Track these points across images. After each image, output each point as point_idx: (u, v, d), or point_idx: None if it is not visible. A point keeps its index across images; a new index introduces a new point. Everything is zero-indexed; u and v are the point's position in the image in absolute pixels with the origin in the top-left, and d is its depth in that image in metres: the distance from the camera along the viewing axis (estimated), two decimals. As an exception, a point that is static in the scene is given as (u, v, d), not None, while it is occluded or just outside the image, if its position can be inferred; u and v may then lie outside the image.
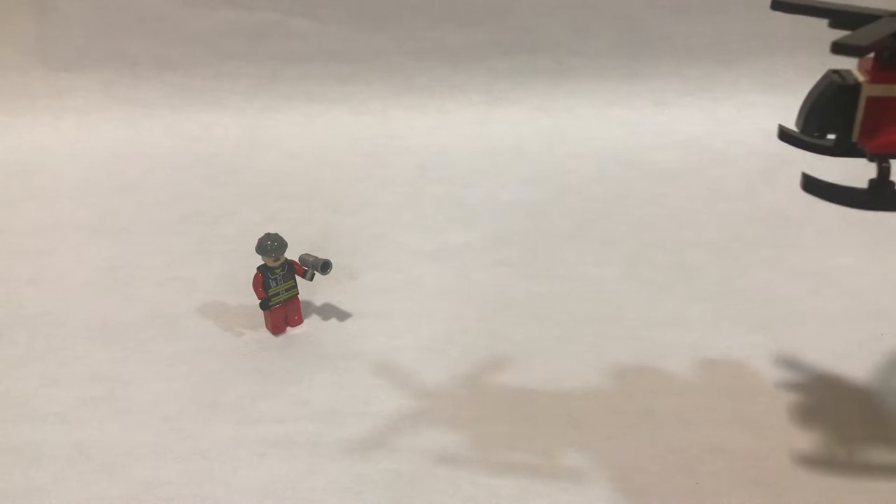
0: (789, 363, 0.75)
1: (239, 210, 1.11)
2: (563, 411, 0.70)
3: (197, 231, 1.05)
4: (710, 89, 1.31)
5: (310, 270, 0.81)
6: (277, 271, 0.80)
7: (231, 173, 1.22)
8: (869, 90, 0.45)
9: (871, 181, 0.46)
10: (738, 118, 1.27)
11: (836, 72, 0.47)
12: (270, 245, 0.78)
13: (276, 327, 0.82)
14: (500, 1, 1.35)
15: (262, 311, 0.81)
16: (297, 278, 0.82)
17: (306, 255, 0.82)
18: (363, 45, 1.38)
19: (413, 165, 1.24)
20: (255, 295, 0.79)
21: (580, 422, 0.69)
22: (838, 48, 0.40)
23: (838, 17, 0.46)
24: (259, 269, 0.79)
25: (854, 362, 0.75)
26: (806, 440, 0.66)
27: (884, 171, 0.46)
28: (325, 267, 0.80)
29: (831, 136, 0.48)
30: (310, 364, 0.77)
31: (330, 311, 0.86)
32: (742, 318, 0.82)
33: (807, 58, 1.37)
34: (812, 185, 0.49)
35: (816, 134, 0.48)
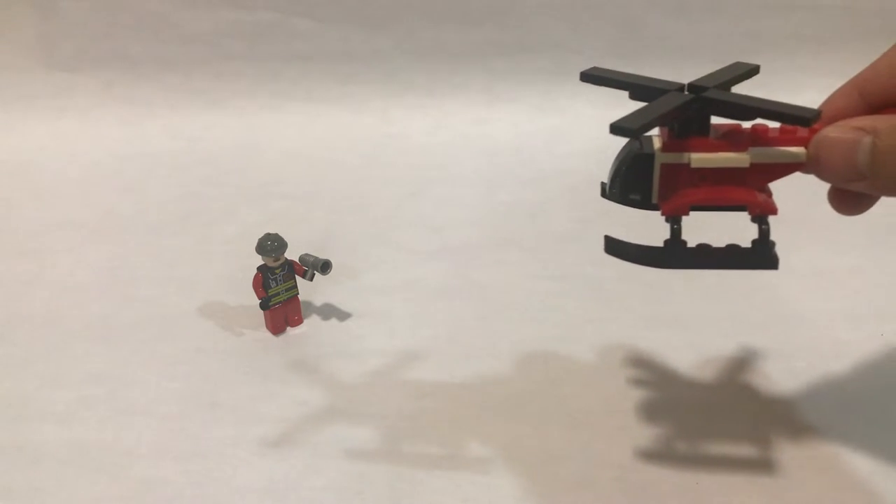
0: (789, 363, 0.75)
1: (239, 210, 1.11)
2: (563, 411, 0.70)
3: (197, 231, 1.05)
4: (710, 89, 1.31)
5: (310, 270, 0.81)
6: (277, 271, 0.80)
7: (231, 173, 1.22)
8: (662, 158, 0.48)
9: (666, 241, 0.49)
10: (738, 118, 1.27)
11: (638, 140, 0.50)
12: (270, 245, 0.78)
13: (276, 327, 0.82)
14: (500, 1, 1.35)
15: (262, 311, 0.81)
16: (297, 278, 0.82)
17: (306, 255, 0.82)
18: (363, 45, 1.38)
19: (413, 165, 1.24)
20: (255, 295, 0.79)
21: (580, 421, 0.69)
22: (614, 129, 0.44)
23: (635, 90, 0.50)
24: (259, 269, 0.79)
25: (854, 362, 0.75)
26: (806, 440, 0.66)
27: (675, 232, 0.49)
28: (325, 267, 0.80)
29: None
30: (310, 364, 0.77)
31: (330, 311, 0.86)
32: (742, 318, 0.82)
33: (806, 58, 1.37)
34: (613, 248, 0.52)
35: (621, 198, 0.51)
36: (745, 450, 0.65)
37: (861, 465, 0.63)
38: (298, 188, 1.17)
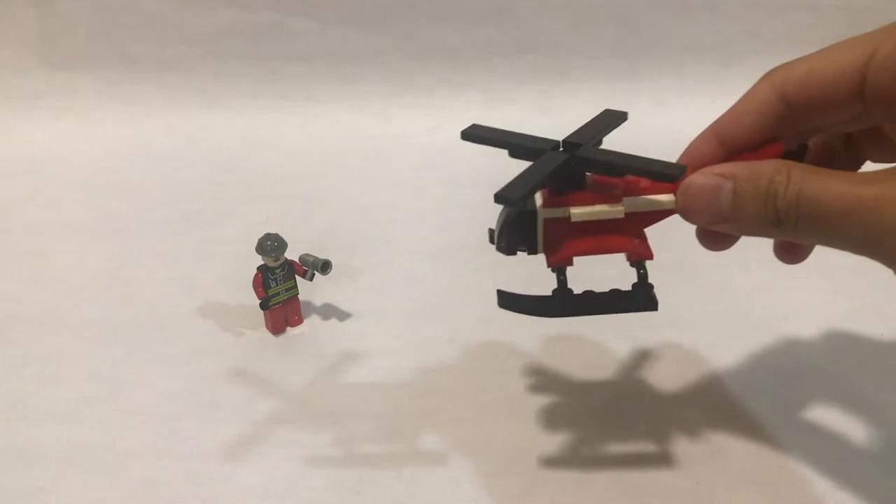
0: (789, 363, 0.75)
1: (239, 210, 1.11)
2: (563, 411, 0.70)
3: (197, 231, 1.05)
4: (709, 89, 1.32)
5: (310, 270, 0.81)
6: (277, 271, 0.80)
7: (231, 173, 1.22)
8: (544, 214, 0.52)
9: (554, 290, 0.52)
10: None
11: (515, 210, 0.53)
12: (270, 245, 0.78)
13: (276, 327, 0.82)
14: (500, 1, 1.35)
15: (262, 311, 0.81)
16: (297, 278, 0.82)
17: (306, 255, 0.82)
18: (363, 45, 1.38)
19: (413, 165, 1.24)
20: (255, 295, 0.79)
21: (580, 421, 0.69)
22: (498, 199, 0.46)
23: (514, 149, 0.52)
24: (259, 269, 0.79)
25: (854, 362, 0.75)
26: (806, 440, 0.66)
27: (561, 283, 0.52)
28: (325, 267, 0.80)
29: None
30: (310, 364, 0.77)
31: (330, 311, 0.86)
32: (742, 318, 0.82)
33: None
34: (505, 301, 0.54)
35: (509, 251, 0.54)
36: (745, 450, 0.65)
37: (863, 466, 0.63)
38: (298, 188, 1.17)
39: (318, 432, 0.69)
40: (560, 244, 0.52)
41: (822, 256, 0.91)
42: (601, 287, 0.55)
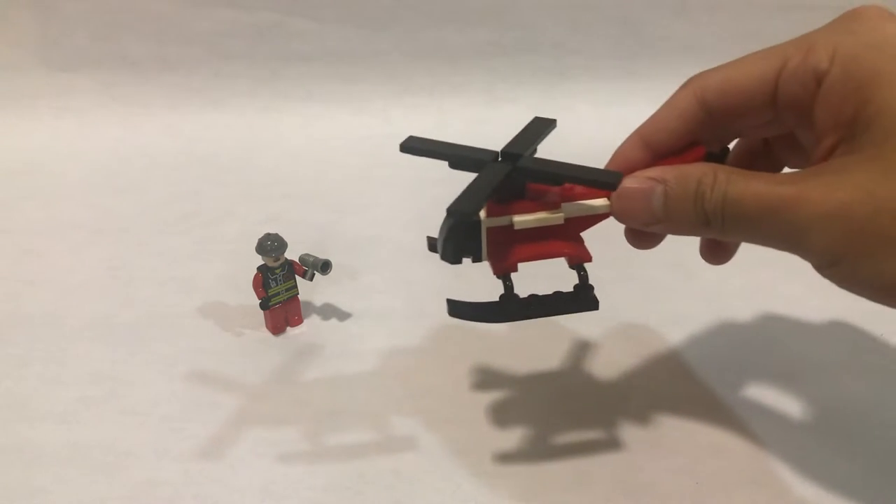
0: (789, 363, 0.75)
1: (239, 210, 1.11)
2: (564, 411, 0.70)
3: (197, 231, 1.05)
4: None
5: (310, 270, 0.81)
6: (277, 271, 0.80)
7: (231, 173, 1.22)
8: (487, 223, 0.53)
9: (501, 296, 0.54)
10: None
11: (455, 220, 0.54)
12: (270, 245, 0.78)
13: (276, 327, 0.82)
14: (500, 1, 1.35)
15: (262, 311, 0.81)
16: (297, 278, 0.82)
17: (306, 255, 0.82)
18: (363, 45, 1.38)
19: (413, 165, 1.24)
20: (255, 295, 0.79)
21: (581, 421, 0.69)
22: (452, 215, 0.48)
23: (454, 161, 0.54)
24: (259, 269, 0.79)
25: (855, 361, 0.75)
26: (806, 440, 0.66)
27: (508, 289, 0.53)
28: (325, 267, 0.80)
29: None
30: (310, 364, 0.77)
31: (330, 311, 0.86)
32: (742, 318, 0.82)
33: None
34: (455, 310, 0.56)
35: (454, 259, 0.55)
36: (744, 450, 0.65)
37: (864, 466, 0.63)
38: (298, 188, 1.17)
39: (318, 432, 0.69)
40: (504, 251, 0.54)
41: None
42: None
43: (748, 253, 0.94)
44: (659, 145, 0.56)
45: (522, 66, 1.38)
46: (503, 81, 1.38)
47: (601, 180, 0.51)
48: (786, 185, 0.47)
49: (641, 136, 0.57)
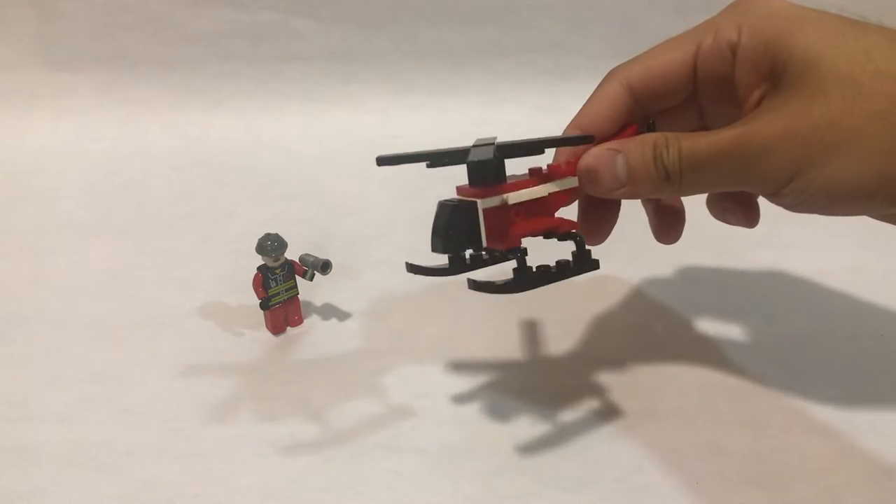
0: (790, 363, 0.75)
1: (239, 210, 1.11)
2: (564, 410, 0.70)
3: (197, 231, 1.05)
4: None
5: (310, 270, 0.81)
6: (277, 271, 0.80)
7: (231, 173, 1.22)
8: (483, 204, 0.56)
9: (514, 269, 0.57)
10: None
11: (447, 200, 0.58)
12: (270, 245, 0.78)
13: (276, 327, 0.82)
14: (500, 1, 1.35)
15: (262, 311, 0.81)
16: (297, 278, 0.82)
17: (306, 255, 0.82)
18: (363, 45, 1.38)
19: (413, 165, 1.24)
20: (255, 295, 0.79)
21: (581, 420, 0.69)
22: (475, 165, 0.54)
23: (433, 159, 0.57)
24: (259, 269, 0.79)
25: (855, 361, 0.75)
26: (806, 441, 0.66)
27: (521, 262, 0.57)
28: (325, 267, 0.80)
29: (445, 264, 0.61)
30: (310, 364, 0.77)
31: (330, 311, 0.86)
32: (742, 318, 0.82)
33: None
34: (477, 285, 0.57)
35: (454, 252, 0.59)
36: (744, 450, 0.65)
37: (864, 466, 0.63)
38: (298, 188, 1.17)
39: (318, 432, 0.68)
40: (503, 231, 0.57)
41: (823, 256, 0.91)
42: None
43: (748, 253, 0.93)
44: (596, 131, 0.61)
45: (522, 66, 1.38)
46: (503, 82, 1.39)
47: (575, 139, 0.57)
48: (731, 129, 0.53)
49: (579, 127, 0.62)
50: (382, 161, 0.56)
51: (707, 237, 0.93)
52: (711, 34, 0.60)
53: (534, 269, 0.58)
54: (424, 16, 1.36)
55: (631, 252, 0.85)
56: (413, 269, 0.62)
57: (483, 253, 0.62)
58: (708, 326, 0.81)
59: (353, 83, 1.38)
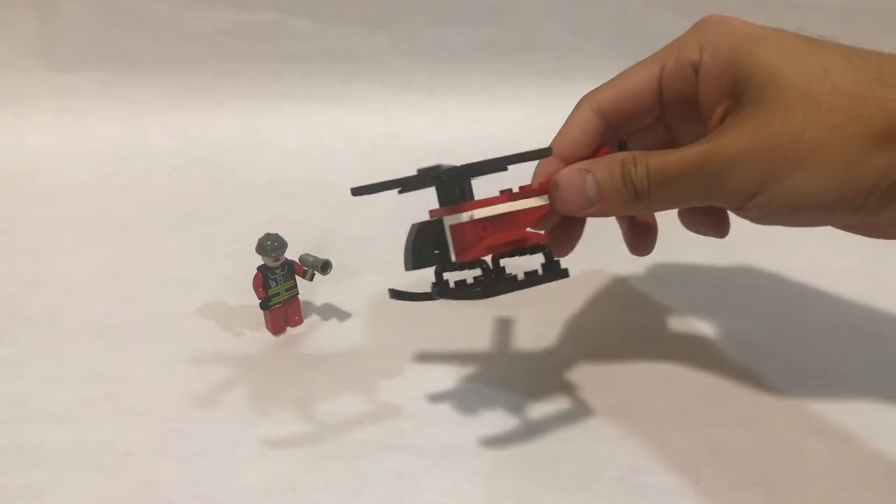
0: (790, 363, 0.75)
1: (239, 210, 1.11)
2: (564, 411, 0.70)
3: (197, 231, 1.05)
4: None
5: (310, 270, 0.81)
6: (277, 271, 0.80)
7: (231, 173, 1.22)
8: (450, 220, 0.60)
9: (477, 278, 0.61)
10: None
11: (418, 222, 0.62)
12: (270, 245, 0.78)
13: (276, 327, 0.82)
14: (500, 1, 1.35)
15: (262, 311, 0.81)
16: (297, 278, 0.82)
17: (306, 255, 0.82)
18: (363, 45, 1.38)
19: (413, 165, 1.23)
20: (255, 295, 0.79)
21: (581, 421, 0.69)
22: (422, 172, 0.59)
23: (404, 184, 0.60)
24: (259, 269, 0.79)
25: (855, 361, 0.75)
26: (806, 441, 0.66)
27: (486, 270, 0.59)
28: (325, 267, 0.80)
29: (428, 291, 0.62)
30: (310, 364, 0.77)
31: (330, 311, 0.86)
32: (742, 318, 0.82)
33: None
34: (440, 292, 0.61)
35: (423, 266, 0.61)
36: (744, 450, 0.65)
37: (864, 466, 0.63)
38: (298, 188, 1.17)
39: (318, 432, 0.69)
40: (470, 244, 0.60)
41: (823, 256, 0.92)
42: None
43: (748, 253, 0.94)
44: (570, 155, 0.64)
45: (522, 66, 1.38)
46: (503, 81, 1.38)
47: (536, 153, 0.59)
48: (696, 146, 0.55)
49: (555, 152, 0.64)
50: (357, 192, 0.58)
51: (707, 237, 0.93)
52: (675, 55, 0.62)
53: (504, 278, 0.60)
54: (424, 16, 1.35)
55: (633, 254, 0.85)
56: (396, 294, 0.65)
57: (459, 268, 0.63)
58: (708, 326, 0.81)
59: (353, 83, 1.38)
